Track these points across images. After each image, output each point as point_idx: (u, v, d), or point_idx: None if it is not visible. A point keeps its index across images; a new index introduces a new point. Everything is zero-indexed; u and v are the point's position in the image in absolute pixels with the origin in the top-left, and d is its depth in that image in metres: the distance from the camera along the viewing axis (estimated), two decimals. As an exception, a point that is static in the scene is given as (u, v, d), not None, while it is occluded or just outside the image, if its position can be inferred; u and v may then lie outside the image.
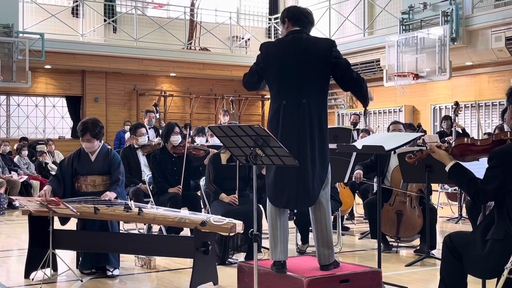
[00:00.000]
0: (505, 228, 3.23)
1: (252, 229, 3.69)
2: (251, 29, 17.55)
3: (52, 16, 14.61)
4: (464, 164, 3.54)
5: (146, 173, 7.29)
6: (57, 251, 5.28)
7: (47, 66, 15.06)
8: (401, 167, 6.06)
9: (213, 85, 17.57)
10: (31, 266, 5.26)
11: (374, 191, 7.41)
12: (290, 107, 4.10)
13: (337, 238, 6.58)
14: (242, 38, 17.56)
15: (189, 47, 16.34)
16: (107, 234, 5.30)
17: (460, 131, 10.76)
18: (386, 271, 5.04)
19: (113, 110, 16.29)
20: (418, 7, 12.67)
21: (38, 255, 5.19)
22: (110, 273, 5.27)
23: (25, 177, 11.62)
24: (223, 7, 17.44)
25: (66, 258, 5.53)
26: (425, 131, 11.48)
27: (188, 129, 7.25)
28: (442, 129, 11.06)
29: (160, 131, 9.08)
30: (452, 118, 10.34)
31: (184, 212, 5.45)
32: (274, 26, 17.92)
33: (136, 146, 7.58)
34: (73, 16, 15.83)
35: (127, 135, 10.73)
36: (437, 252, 5.93)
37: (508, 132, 3.46)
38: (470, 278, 3.47)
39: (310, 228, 6.39)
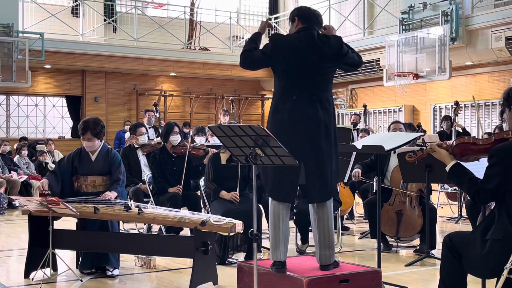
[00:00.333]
0: (504, 228, 3.23)
1: (252, 229, 3.69)
2: (251, 29, 17.53)
3: (52, 15, 14.61)
4: (465, 164, 3.54)
5: (146, 173, 7.29)
6: (57, 251, 5.27)
7: (47, 66, 15.06)
8: (401, 167, 6.06)
9: (213, 84, 17.57)
10: (31, 266, 5.26)
11: (374, 191, 7.41)
12: (302, 103, 4.12)
13: (337, 238, 6.58)
14: (242, 38, 17.56)
15: (189, 47, 16.35)
16: (107, 234, 5.30)
17: (460, 131, 10.76)
18: (386, 271, 5.04)
19: (113, 110, 16.29)
20: (418, 6, 12.68)
21: (38, 255, 5.19)
22: (110, 273, 5.27)
23: (25, 177, 11.62)
24: (223, 7, 17.44)
25: (66, 258, 5.53)
26: (425, 131, 11.47)
27: (189, 127, 7.26)
28: (442, 129, 11.06)
29: (160, 130, 9.08)
30: (452, 118, 10.34)
31: (184, 212, 5.45)
32: (274, 26, 17.91)
33: (136, 145, 7.58)
34: (73, 16, 15.84)
35: (127, 135, 10.74)
36: (437, 252, 5.93)
37: (510, 132, 3.45)
38: (470, 278, 3.47)
39: (310, 228, 6.41)
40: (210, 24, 16.81)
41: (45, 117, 16.11)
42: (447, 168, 3.51)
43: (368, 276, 4.25)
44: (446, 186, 9.46)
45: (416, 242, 6.53)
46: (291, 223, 5.58)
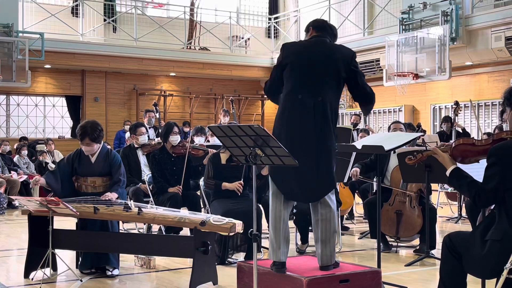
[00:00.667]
0: (504, 229, 3.23)
1: (251, 229, 3.70)
2: (251, 29, 17.55)
3: (52, 15, 14.61)
4: (465, 166, 3.53)
5: (146, 173, 7.29)
6: (57, 251, 5.28)
7: (47, 66, 15.06)
8: (400, 167, 6.06)
9: (212, 84, 17.57)
10: (30, 266, 5.26)
11: (374, 191, 7.42)
12: (306, 102, 4.13)
13: (336, 238, 6.57)
14: (242, 38, 17.56)
15: (189, 47, 16.35)
16: (107, 234, 5.30)
17: (460, 131, 10.76)
18: (386, 271, 5.04)
19: (112, 110, 16.29)
20: (418, 6, 12.67)
21: (38, 254, 5.19)
22: (109, 273, 5.27)
23: (24, 177, 11.62)
24: (223, 7, 17.44)
25: (66, 258, 5.53)
26: (424, 131, 11.47)
27: (188, 127, 7.27)
28: (442, 130, 11.06)
29: (160, 130, 9.08)
30: (452, 118, 10.34)
31: (184, 212, 5.45)
32: (274, 26, 17.91)
33: (136, 145, 7.58)
34: (73, 16, 15.83)
35: (127, 134, 10.74)
36: (437, 252, 5.93)
37: (509, 131, 3.45)
38: (469, 278, 3.47)
39: (310, 228, 6.41)
40: (210, 24, 16.81)
41: (45, 117, 16.11)
42: (448, 173, 3.50)
43: (368, 276, 4.26)
44: (446, 186, 9.46)
45: (416, 242, 6.53)
46: (291, 223, 5.59)
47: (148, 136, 8.37)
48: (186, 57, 15.93)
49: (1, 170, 11.29)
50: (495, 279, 3.22)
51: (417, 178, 5.99)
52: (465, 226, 8.14)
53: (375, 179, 7.29)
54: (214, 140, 8.35)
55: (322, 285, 4.04)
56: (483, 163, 3.41)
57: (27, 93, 15.50)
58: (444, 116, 12.43)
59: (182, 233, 6.64)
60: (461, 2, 11.99)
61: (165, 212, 5.21)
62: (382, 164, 6.59)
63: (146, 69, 15.92)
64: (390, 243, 6.54)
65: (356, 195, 8.33)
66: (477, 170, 3.58)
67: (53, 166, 12.73)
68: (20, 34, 13.62)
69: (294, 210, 6.30)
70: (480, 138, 3.70)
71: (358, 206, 9.45)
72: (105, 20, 15.89)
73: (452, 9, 11.93)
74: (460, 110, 11.29)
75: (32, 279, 5.18)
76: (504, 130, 3.57)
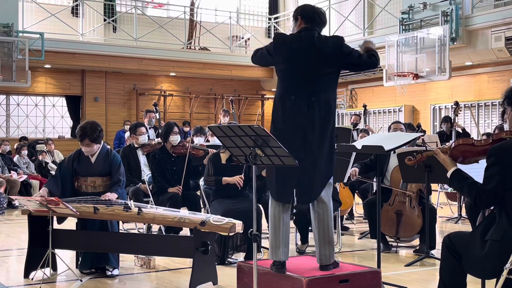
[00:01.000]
0: (504, 229, 3.23)
1: (251, 229, 3.69)
2: (251, 29, 17.55)
3: (52, 15, 14.60)
4: (465, 167, 3.53)
5: (146, 173, 7.29)
6: (57, 251, 5.27)
7: (47, 66, 15.06)
8: (400, 167, 6.06)
9: (212, 84, 17.57)
10: (30, 266, 5.26)
11: (374, 191, 7.41)
12: (300, 104, 4.12)
13: (336, 238, 6.58)
14: (242, 38, 17.56)
15: (189, 47, 16.34)
16: (107, 234, 5.30)
17: (460, 131, 10.76)
18: (386, 271, 5.04)
19: (112, 110, 16.28)
20: (418, 7, 12.68)
21: (38, 254, 5.19)
22: (109, 273, 5.27)
23: (24, 177, 11.62)
24: (223, 7, 17.44)
25: (66, 257, 5.53)
26: (424, 131, 11.47)
27: (188, 126, 7.27)
28: (442, 130, 11.06)
29: (160, 130, 9.08)
30: (452, 118, 10.34)
31: (184, 212, 5.45)
32: (274, 26, 17.91)
33: (136, 145, 7.58)
34: (73, 16, 15.83)
35: (127, 134, 10.73)
36: (437, 252, 5.93)
37: (508, 131, 3.45)
38: (469, 278, 3.47)
39: (310, 228, 6.41)
40: (210, 24, 16.81)
41: (45, 117, 16.11)
42: (448, 174, 3.50)
43: (368, 276, 4.26)
44: (446, 186, 9.46)
45: (416, 242, 6.53)
46: (291, 223, 5.58)
47: (148, 136, 8.37)
48: (186, 57, 15.92)
49: (1, 170, 11.29)
50: (495, 279, 3.22)
51: (417, 178, 5.99)
52: (465, 226, 8.13)
53: (375, 179, 7.29)
54: (214, 140, 8.35)
55: (322, 285, 4.04)
56: (483, 163, 3.41)
57: (27, 93, 15.49)
58: (444, 116, 12.42)
59: (182, 233, 6.64)
60: (461, 2, 11.99)
61: (165, 212, 5.21)
62: (382, 164, 6.59)
63: (146, 69, 15.92)
64: (390, 243, 6.54)
65: (356, 195, 8.32)
66: (477, 171, 3.58)
67: (53, 166, 12.75)
68: (20, 34, 13.62)
69: (294, 210, 6.30)
70: (479, 138, 3.70)
71: (358, 206, 9.45)
72: (105, 20, 15.89)
73: (452, 9, 11.93)
74: (460, 111, 11.29)
75: (32, 279, 5.18)
76: (504, 130, 3.56)
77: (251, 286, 3.90)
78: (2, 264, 6.09)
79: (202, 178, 6.50)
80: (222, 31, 16.70)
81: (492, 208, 3.48)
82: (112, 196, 5.29)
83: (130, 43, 15.38)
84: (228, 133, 3.66)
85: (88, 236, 5.30)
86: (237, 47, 17.25)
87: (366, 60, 4.27)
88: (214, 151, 6.62)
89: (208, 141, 8.75)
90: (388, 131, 7.34)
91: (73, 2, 15.88)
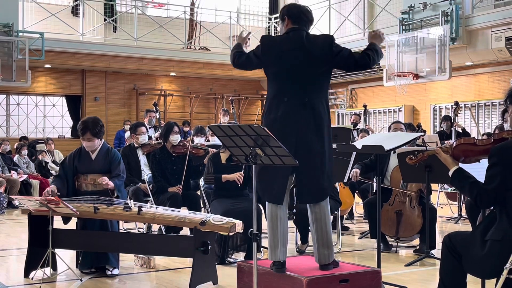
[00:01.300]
0: (504, 229, 3.23)
1: (251, 229, 3.69)
2: (251, 29, 17.52)
3: (52, 15, 14.60)
4: (466, 166, 3.53)
5: (146, 173, 7.29)
6: (57, 251, 5.27)
7: (47, 65, 15.06)
8: (400, 167, 6.06)
9: (213, 84, 17.58)
10: (30, 266, 5.26)
11: (374, 191, 7.41)
12: (294, 105, 4.11)
13: (336, 238, 6.58)
14: (242, 38, 17.53)
15: (189, 47, 16.34)
16: (107, 234, 5.30)
17: (460, 131, 10.76)
18: (386, 271, 5.04)
19: (112, 110, 16.29)
20: (418, 7, 12.67)
21: (38, 254, 5.19)
22: (109, 273, 5.27)
23: (24, 176, 11.62)
24: (223, 7, 17.44)
25: (66, 257, 5.53)
26: (424, 131, 11.47)
27: (188, 126, 7.26)
28: (442, 129, 11.06)
29: (160, 130, 9.07)
30: (452, 118, 10.34)
31: (184, 212, 5.45)
32: (274, 26, 17.90)
33: (136, 145, 7.58)
34: (73, 16, 15.83)
35: (127, 134, 10.73)
36: (437, 252, 5.93)
37: (510, 131, 3.45)
38: (469, 278, 3.47)
39: (310, 228, 6.41)
40: (210, 24, 16.81)
41: (45, 116, 16.11)
42: (450, 173, 3.51)
43: (368, 276, 4.26)
44: (446, 186, 9.46)
45: (416, 242, 6.53)
46: (291, 223, 5.59)
47: (150, 136, 8.36)
48: (186, 57, 15.92)
49: (1, 169, 11.29)
50: (495, 279, 3.22)
51: (417, 178, 5.99)
52: (465, 226, 8.13)
53: (375, 180, 7.29)
54: (214, 140, 8.35)
55: (322, 285, 4.04)
56: (484, 163, 3.41)
57: (27, 92, 15.50)
58: (444, 115, 12.43)
59: (182, 232, 6.63)
60: (461, 2, 11.99)
61: (165, 211, 5.21)
62: (382, 164, 6.59)
63: (146, 69, 15.92)
64: (390, 243, 6.54)
65: (356, 195, 8.33)
66: (477, 170, 3.58)
67: (53, 165, 12.75)
68: (20, 34, 13.62)
69: (294, 210, 6.30)
70: (481, 138, 3.69)
71: (358, 206, 9.45)
72: (105, 19, 15.89)
73: (452, 9, 11.93)
74: (460, 110, 11.29)
75: (32, 278, 5.18)
76: (505, 130, 3.56)
77: (251, 285, 3.90)
78: (2, 263, 6.09)
79: (202, 177, 6.50)
80: (222, 31, 16.69)
81: (492, 208, 3.48)
82: (109, 182, 5.29)
83: (130, 43, 15.38)
84: (228, 132, 3.66)
85: (88, 235, 5.30)
86: (237, 47, 17.22)
87: (357, 61, 4.17)
88: (214, 150, 6.62)
89: (208, 141, 8.75)
90: (388, 131, 7.34)
91: (73, 2, 15.87)
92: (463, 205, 8.32)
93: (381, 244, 5.14)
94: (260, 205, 5.99)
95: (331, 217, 4.38)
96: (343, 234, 7.47)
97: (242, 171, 6.01)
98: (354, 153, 6.25)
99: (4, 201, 10.42)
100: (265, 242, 6.28)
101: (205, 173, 6.16)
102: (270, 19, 18.27)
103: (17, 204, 10.77)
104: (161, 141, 7.13)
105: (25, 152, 12.44)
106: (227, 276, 5.15)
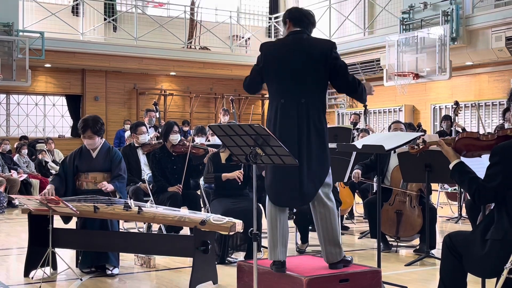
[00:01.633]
0: (504, 228, 3.22)
1: (251, 228, 3.70)
2: (251, 28, 17.54)
3: (52, 14, 14.60)
4: (468, 161, 3.52)
5: (146, 172, 7.29)
6: (57, 250, 5.27)
7: (47, 65, 15.06)
8: (401, 166, 6.06)
9: (213, 84, 17.57)
10: (30, 265, 5.26)
11: (374, 191, 7.41)
12: (289, 106, 4.13)
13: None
14: (242, 37, 17.56)
15: (189, 46, 16.34)
16: (107, 233, 5.30)
17: (460, 131, 10.76)
18: (386, 271, 5.04)
19: (113, 109, 16.29)
20: (418, 6, 12.67)
21: (38, 253, 5.19)
22: (109, 272, 5.27)
23: (24, 176, 11.62)
24: (223, 6, 17.44)
25: (66, 256, 5.53)
26: (425, 131, 11.48)
27: (188, 126, 7.26)
28: (442, 129, 11.06)
29: (160, 130, 9.08)
30: (452, 118, 10.35)
31: (184, 211, 5.45)
32: (274, 26, 17.91)
33: (136, 144, 7.58)
34: (73, 15, 15.83)
35: (127, 134, 10.72)
36: (437, 251, 5.93)
37: None
38: (470, 278, 3.47)
39: (310, 228, 6.41)
40: (211, 24, 16.81)
41: (45, 116, 16.11)
42: (451, 166, 3.51)
43: (368, 276, 4.25)
44: (446, 186, 9.47)
45: (416, 242, 6.53)
46: (291, 223, 5.58)
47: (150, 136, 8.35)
48: (187, 56, 15.92)
49: (1, 169, 11.29)
50: (495, 279, 3.22)
51: (417, 178, 5.99)
52: (465, 226, 8.14)
53: (375, 179, 7.29)
54: (215, 140, 8.35)
55: (322, 284, 4.04)
56: (486, 160, 3.40)
57: (27, 92, 15.50)
58: (444, 115, 12.43)
59: (182, 232, 6.63)
60: (462, 2, 11.99)
61: (165, 211, 5.21)
62: (382, 164, 6.59)
63: (146, 68, 15.92)
64: (390, 242, 6.54)
65: (356, 194, 8.33)
66: (477, 167, 3.57)
67: (53, 165, 12.76)
68: (21, 33, 13.61)
69: (294, 210, 6.30)
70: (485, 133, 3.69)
71: (358, 206, 9.45)
72: (105, 19, 15.89)
73: (452, 9, 11.92)
74: (460, 110, 11.29)
75: (32, 278, 5.18)
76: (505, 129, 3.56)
77: (251, 285, 3.90)
78: (2, 263, 6.10)
79: (202, 177, 6.50)
80: (223, 31, 16.69)
81: (492, 207, 3.48)
82: (108, 186, 5.30)
83: (130, 42, 15.39)
84: (228, 132, 3.66)
85: (88, 235, 5.30)
86: (237, 46, 17.25)
87: (347, 77, 4.14)
88: (214, 150, 6.62)
89: (208, 140, 8.75)
90: (388, 131, 7.34)
91: (74, 1, 15.87)
92: (463, 205, 8.32)
93: (381, 243, 5.14)
94: (260, 205, 5.99)
95: (337, 215, 4.36)
96: (343, 234, 7.48)
97: (242, 169, 6.01)
98: (354, 153, 6.25)
99: (4, 200, 10.42)
100: (265, 242, 6.27)
101: (205, 172, 6.16)
102: (270, 18, 18.27)
103: (17, 204, 10.76)
104: (161, 140, 7.13)
105: (25, 151, 12.44)
106: (227, 275, 5.15)
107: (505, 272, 3.09)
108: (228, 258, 5.76)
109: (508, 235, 3.19)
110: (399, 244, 6.53)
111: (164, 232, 6.43)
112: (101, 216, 5.11)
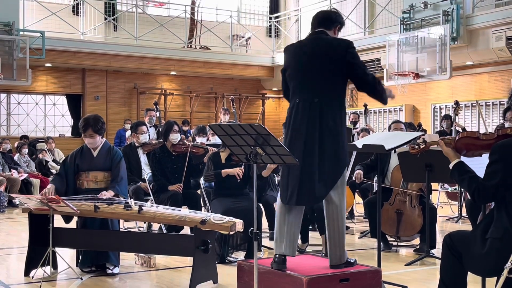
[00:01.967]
0: (504, 227, 3.23)
1: (252, 228, 3.70)
2: (251, 28, 17.54)
3: (53, 14, 14.60)
4: (468, 160, 3.53)
5: (146, 172, 7.29)
6: (57, 249, 5.27)
7: (48, 64, 15.06)
8: (401, 166, 6.06)
9: (213, 83, 17.57)
10: (31, 264, 5.26)
11: (374, 190, 7.42)
12: (302, 105, 4.15)
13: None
14: (243, 37, 17.55)
15: (189, 46, 16.34)
16: (107, 232, 5.30)
17: (461, 131, 10.76)
18: (386, 270, 5.04)
19: (113, 109, 16.29)
20: (418, 6, 12.67)
21: (38, 253, 5.19)
22: (110, 271, 5.27)
23: (25, 175, 11.63)
24: (223, 6, 17.44)
25: (66, 256, 5.53)
26: (425, 131, 11.47)
27: (188, 125, 7.26)
28: (442, 129, 11.06)
29: (160, 129, 9.07)
30: (452, 117, 10.35)
31: (184, 211, 5.45)
32: (275, 25, 17.90)
33: (136, 144, 7.58)
34: (74, 14, 15.83)
35: (128, 133, 10.72)
36: (437, 251, 5.94)
37: None
38: (470, 278, 3.47)
39: (310, 227, 6.42)
40: (211, 23, 16.80)
41: (45, 115, 16.11)
42: (451, 166, 3.51)
43: (368, 276, 4.26)
44: (446, 185, 9.47)
45: (416, 241, 6.54)
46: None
47: (149, 135, 8.35)
48: (187, 56, 15.92)
49: (2, 168, 11.29)
50: (495, 279, 3.22)
51: (417, 178, 5.99)
52: (465, 226, 8.14)
53: (375, 179, 7.29)
54: (215, 139, 8.35)
55: (322, 284, 4.04)
56: (486, 159, 3.40)
57: (27, 91, 15.50)
58: (444, 114, 12.43)
59: (182, 231, 6.63)
60: (462, 1, 11.98)
61: (166, 210, 5.21)
62: (383, 164, 6.59)
63: (146, 68, 15.92)
64: (390, 242, 6.54)
65: (356, 194, 8.33)
66: (480, 166, 3.57)
67: (54, 164, 12.76)
68: (21, 33, 13.62)
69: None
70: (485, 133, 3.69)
71: (359, 206, 9.45)
72: (106, 18, 15.88)
73: (453, 8, 11.92)
74: (460, 110, 11.29)
75: (33, 277, 5.18)
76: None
77: (251, 285, 3.90)
78: (3, 262, 6.10)
79: (203, 177, 6.50)
80: (223, 30, 16.69)
81: (492, 207, 3.48)
82: (108, 194, 5.30)
83: (130, 42, 15.39)
84: (229, 131, 3.66)
85: (88, 234, 5.30)
86: (237, 46, 17.25)
87: (368, 78, 4.13)
88: (214, 149, 6.62)
89: (209, 140, 8.75)
90: (389, 131, 7.34)
91: (74, 0, 15.87)
92: (464, 204, 8.32)
93: (381, 243, 5.14)
94: (260, 204, 5.99)
95: (345, 217, 4.35)
96: (344, 233, 7.47)
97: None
98: (354, 153, 6.25)
99: (4, 200, 10.42)
100: (265, 241, 6.30)
101: (205, 171, 6.17)
102: (270, 18, 18.26)
103: (17, 203, 10.77)
104: (161, 140, 7.13)
105: (25, 151, 12.45)
106: (227, 275, 5.15)
107: (505, 272, 3.10)
108: (229, 258, 5.77)
109: (508, 233, 3.20)
110: (399, 243, 6.53)
111: (165, 232, 6.43)
112: (102, 215, 5.12)
